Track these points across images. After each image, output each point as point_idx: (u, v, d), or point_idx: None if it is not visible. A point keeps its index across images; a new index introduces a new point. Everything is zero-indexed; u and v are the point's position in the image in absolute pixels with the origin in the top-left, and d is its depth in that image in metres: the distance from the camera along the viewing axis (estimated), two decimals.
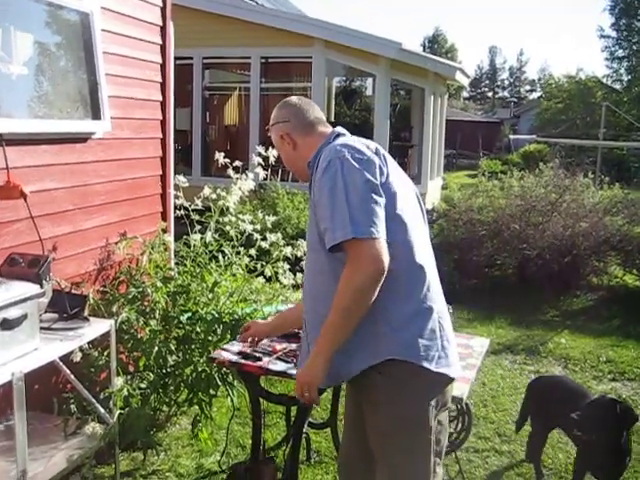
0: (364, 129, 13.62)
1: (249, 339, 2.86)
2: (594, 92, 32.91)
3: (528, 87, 66.88)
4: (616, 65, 38.08)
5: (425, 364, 2.04)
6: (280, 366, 2.78)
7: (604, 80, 36.53)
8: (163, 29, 4.46)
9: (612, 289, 7.77)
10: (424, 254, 2.16)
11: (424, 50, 49.77)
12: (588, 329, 6.47)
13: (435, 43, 60.73)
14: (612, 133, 24.71)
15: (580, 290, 7.52)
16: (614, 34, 37.77)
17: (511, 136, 33.14)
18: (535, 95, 57.10)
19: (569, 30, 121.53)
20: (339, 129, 2.35)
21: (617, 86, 36.75)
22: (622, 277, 7.93)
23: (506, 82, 70.30)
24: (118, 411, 3.16)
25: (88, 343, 3.08)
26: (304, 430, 3.10)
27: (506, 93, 67.99)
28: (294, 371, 2.72)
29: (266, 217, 4.12)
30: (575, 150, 21.83)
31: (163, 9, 4.45)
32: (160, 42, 4.45)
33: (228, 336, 3.58)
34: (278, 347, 2.95)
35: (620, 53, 37.90)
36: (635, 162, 25.54)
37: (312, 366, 2.09)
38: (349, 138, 2.28)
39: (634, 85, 35.03)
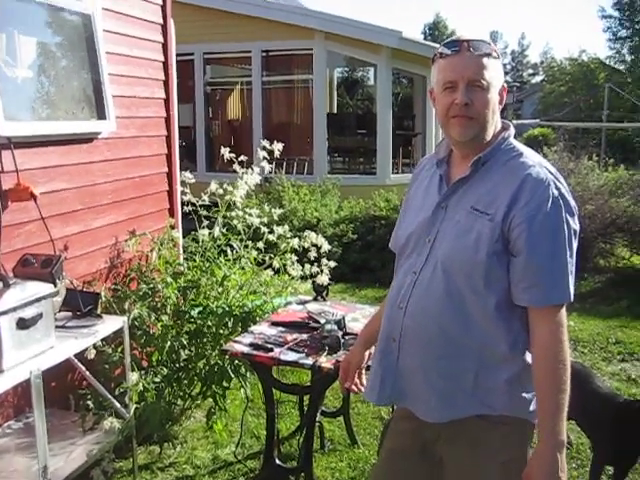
0: (367, 119, 13.64)
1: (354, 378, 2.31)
2: (597, 74, 32.80)
3: (530, 71, 66.43)
4: (619, 46, 37.88)
5: (535, 420, 1.83)
6: (291, 356, 2.82)
7: (607, 61, 36.36)
8: (164, 27, 4.49)
9: (619, 271, 7.79)
10: None
11: (425, 38, 49.58)
12: (596, 311, 6.49)
13: (436, 30, 60.35)
14: (616, 114, 24.65)
15: (587, 272, 7.52)
16: (616, 14, 37.53)
17: (515, 121, 33.05)
18: (538, 79, 56.81)
19: (570, 11, 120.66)
20: (512, 129, 1.91)
21: (620, 67, 36.56)
22: (629, 258, 7.96)
23: (508, 67, 69.87)
24: (134, 406, 3.21)
25: (102, 340, 3.13)
26: (317, 419, 3.15)
27: (509, 78, 67.51)
28: (305, 361, 2.77)
29: (272, 210, 4.15)
30: (579, 133, 21.76)
31: (163, 7, 4.47)
32: (161, 40, 4.48)
33: (239, 329, 3.63)
34: (289, 337, 2.99)
35: (623, 33, 37.68)
36: None
37: (557, 465, 1.70)
38: (532, 152, 1.88)
39: (637, 65, 34.85)
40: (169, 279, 3.69)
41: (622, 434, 3.03)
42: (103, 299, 3.36)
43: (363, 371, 2.33)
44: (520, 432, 1.87)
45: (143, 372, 3.38)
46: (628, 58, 37.12)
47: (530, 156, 1.83)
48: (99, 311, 3.16)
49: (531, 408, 1.83)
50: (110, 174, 3.92)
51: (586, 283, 7.39)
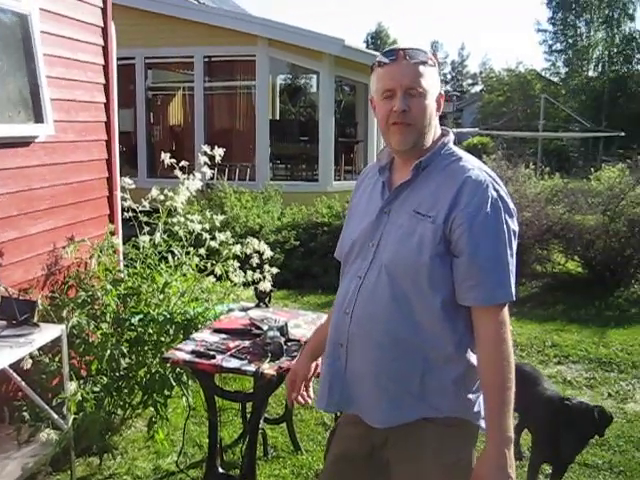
0: (309, 126, 13.68)
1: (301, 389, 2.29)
2: (533, 85, 33.80)
3: (470, 81, 67.84)
4: (554, 58, 39.21)
5: (482, 423, 1.87)
6: (234, 363, 2.80)
7: (543, 73, 37.55)
8: (104, 30, 4.42)
9: (555, 276, 8.03)
10: None
11: (367, 46, 50.13)
12: (534, 315, 6.67)
13: (378, 39, 61.10)
14: (551, 124, 25.38)
15: (525, 278, 7.70)
16: (551, 28, 38.88)
17: (454, 129, 33.68)
18: (477, 89, 58.12)
19: (509, 24, 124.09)
20: (451, 135, 1.97)
21: (555, 79, 37.79)
22: (565, 264, 8.18)
23: (448, 76, 71.21)
24: (72, 416, 3.14)
25: (39, 349, 3.06)
26: (260, 426, 3.13)
27: (449, 87, 68.83)
28: (248, 367, 2.75)
29: (214, 216, 4.12)
30: (517, 142, 22.32)
31: (104, 10, 4.41)
32: (102, 43, 4.41)
33: (180, 336, 3.58)
34: (231, 345, 2.97)
35: (557, 47, 39.03)
36: (574, 152, 26.35)
37: (505, 460, 1.72)
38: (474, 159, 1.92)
39: (571, 78, 36.14)
40: (109, 286, 3.63)
41: (560, 433, 3.13)
42: (40, 307, 3.27)
43: (310, 383, 2.33)
44: (465, 434, 1.90)
45: (82, 382, 3.31)
46: (562, 70, 38.50)
47: (469, 160, 1.88)
48: (36, 319, 3.08)
49: (476, 409, 1.87)
50: (48, 179, 3.83)
51: (524, 288, 7.57)
